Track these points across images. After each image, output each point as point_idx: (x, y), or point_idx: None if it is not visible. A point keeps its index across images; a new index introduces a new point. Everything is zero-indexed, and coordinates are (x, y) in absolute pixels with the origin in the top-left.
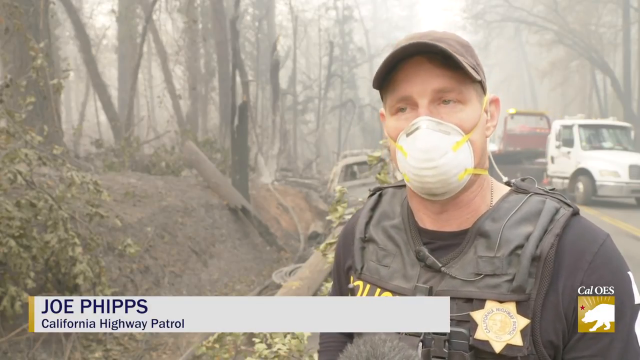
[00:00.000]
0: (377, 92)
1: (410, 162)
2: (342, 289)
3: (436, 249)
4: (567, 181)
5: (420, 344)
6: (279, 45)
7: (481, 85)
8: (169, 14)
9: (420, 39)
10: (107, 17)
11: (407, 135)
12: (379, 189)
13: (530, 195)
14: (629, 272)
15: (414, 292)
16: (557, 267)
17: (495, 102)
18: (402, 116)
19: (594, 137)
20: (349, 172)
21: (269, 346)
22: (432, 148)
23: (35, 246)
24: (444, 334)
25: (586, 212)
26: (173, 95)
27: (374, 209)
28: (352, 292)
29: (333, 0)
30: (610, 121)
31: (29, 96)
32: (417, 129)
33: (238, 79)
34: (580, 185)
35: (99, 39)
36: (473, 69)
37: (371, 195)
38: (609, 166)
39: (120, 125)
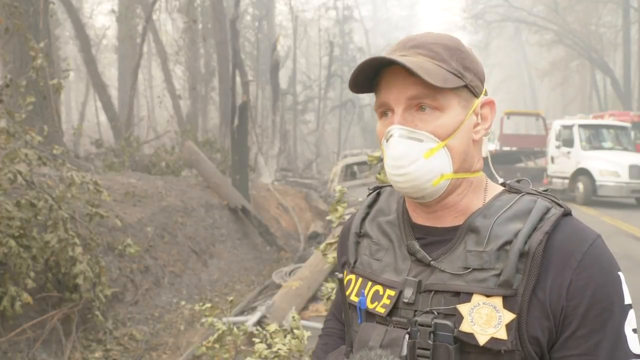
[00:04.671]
0: None
1: (386, 168)
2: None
3: (428, 244)
4: (567, 181)
5: (407, 335)
6: (279, 45)
7: (469, 89)
8: (169, 14)
9: (401, 47)
10: (107, 17)
11: (386, 140)
12: (378, 187)
13: (522, 195)
14: (620, 273)
15: (403, 285)
16: (546, 265)
17: (489, 104)
18: (384, 121)
19: (594, 137)
20: (349, 172)
21: (269, 346)
22: (402, 156)
23: (35, 246)
24: (429, 325)
25: (586, 212)
26: (173, 95)
27: (371, 205)
28: (341, 282)
29: (333, 0)
30: (610, 121)
31: (29, 96)
32: (391, 136)
33: (238, 79)
34: (580, 185)
35: (99, 39)
36: (455, 74)
37: (370, 193)
38: (609, 166)
39: (120, 125)
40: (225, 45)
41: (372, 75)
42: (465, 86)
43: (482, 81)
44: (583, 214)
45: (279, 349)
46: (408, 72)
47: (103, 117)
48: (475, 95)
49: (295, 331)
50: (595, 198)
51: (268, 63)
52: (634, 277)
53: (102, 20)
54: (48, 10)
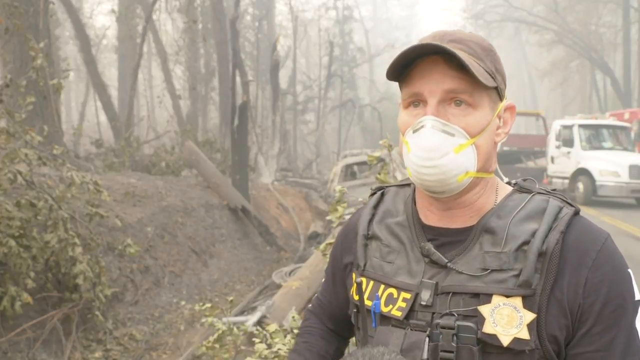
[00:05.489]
0: (377, 92)
1: (412, 159)
2: (335, 285)
3: (441, 246)
4: (567, 181)
5: (427, 339)
6: (279, 45)
7: (497, 91)
8: (169, 14)
9: (438, 40)
10: (107, 17)
11: (414, 131)
12: (381, 187)
13: (533, 195)
14: (629, 270)
15: (419, 287)
16: (562, 264)
17: (510, 109)
18: (412, 112)
19: (594, 137)
20: (349, 172)
21: (269, 346)
22: (434, 148)
23: (35, 246)
24: (453, 327)
25: (586, 212)
26: (173, 95)
27: (376, 207)
28: (360, 286)
29: (333, 0)
30: (610, 121)
31: (29, 96)
32: (422, 127)
33: (238, 79)
34: (580, 185)
35: (99, 39)
36: (490, 74)
37: (373, 193)
38: (609, 166)
39: (120, 125)
40: (225, 45)
41: (407, 63)
42: (495, 88)
43: (505, 85)
44: (583, 215)
45: (279, 349)
46: (450, 65)
47: (103, 117)
48: (501, 98)
49: (295, 331)
50: (595, 198)
51: (268, 63)
52: (635, 277)
53: (102, 20)
54: (48, 10)
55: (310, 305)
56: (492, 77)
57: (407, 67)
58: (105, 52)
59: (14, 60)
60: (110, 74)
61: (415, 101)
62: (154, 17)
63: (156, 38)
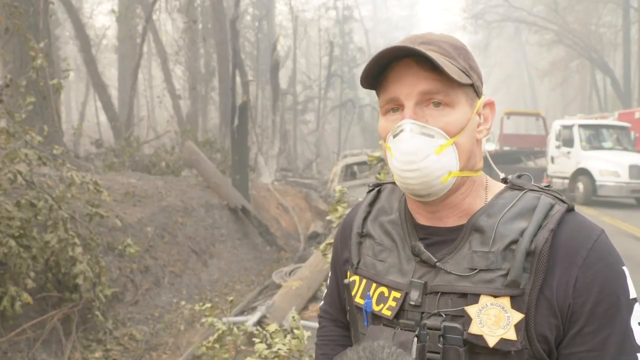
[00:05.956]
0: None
1: (395, 163)
2: (338, 279)
3: (432, 245)
4: (567, 181)
5: (415, 339)
6: (279, 45)
7: (474, 88)
8: (169, 14)
9: (409, 43)
10: (107, 17)
11: (394, 136)
12: (378, 184)
13: (525, 192)
14: (624, 267)
15: (409, 287)
16: (552, 263)
17: (490, 105)
18: (391, 117)
19: (594, 137)
20: (349, 172)
21: (269, 346)
22: (414, 151)
23: (35, 246)
24: (439, 328)
25: (586, 212)
26: (173, 95)
27: (372, 204)
28: (348, 287)
29: (333, 0)
30: (610, 121)
31: (29, 96)
32: (401, 131)
33: (238, 79)
34: (580, 185)
35: (99, 39)
36: (464, 72)
37: (370, 190)
38: (609, 166)
39: (120, 125)
40: (225, 45)
41: (381, 70)
42: (472, 85)
43: (482, 82)
44: (583, 214)
45: (279, 349)
46: (423, 67)
47: (103, 117)
48: (478, 95)
49: (295, 331)
50: (595, 198)
51: (268, 63)
52: (634, 277)
53: (102, 20)
54: (48, 10)
55: (322, 302)
56: (467, 75)
57: (381, 73)
58: (105, 52)
59: (14, 60)
60: (110, 74)
61: (393, 107)
62: (154, 17)
63: (156, 38)
